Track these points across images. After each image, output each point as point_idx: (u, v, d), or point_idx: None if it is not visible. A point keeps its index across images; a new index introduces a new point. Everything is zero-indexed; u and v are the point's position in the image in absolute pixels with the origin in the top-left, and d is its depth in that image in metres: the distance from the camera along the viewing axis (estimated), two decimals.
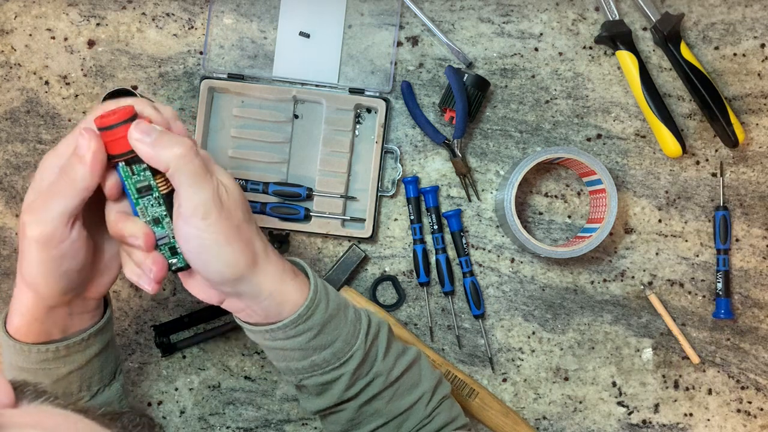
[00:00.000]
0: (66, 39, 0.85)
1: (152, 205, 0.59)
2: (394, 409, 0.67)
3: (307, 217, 0.84)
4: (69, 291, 0.60)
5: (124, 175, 0.58)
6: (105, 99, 0.84)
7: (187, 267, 0.61)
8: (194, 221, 0.56)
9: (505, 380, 0.87)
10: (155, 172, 0.59)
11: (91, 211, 0.60)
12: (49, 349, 0.62)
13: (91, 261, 0.61)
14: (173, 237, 0.60)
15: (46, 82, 0.85)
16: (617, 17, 0.85)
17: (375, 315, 0.68)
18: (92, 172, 0.56)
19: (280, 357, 0.65)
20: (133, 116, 0.58)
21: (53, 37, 0.85)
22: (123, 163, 0.58)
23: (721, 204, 0.86)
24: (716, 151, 0.87)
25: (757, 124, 0.87)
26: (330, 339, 0.63)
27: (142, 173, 0.58)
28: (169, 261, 0.60)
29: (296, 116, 0.85)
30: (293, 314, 0.61)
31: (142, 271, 0.60)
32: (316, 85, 0.85)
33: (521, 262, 0.87)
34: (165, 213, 0.59)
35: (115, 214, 0.59)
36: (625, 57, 0.84)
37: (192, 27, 0.86)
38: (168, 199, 0.59)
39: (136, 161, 0.58)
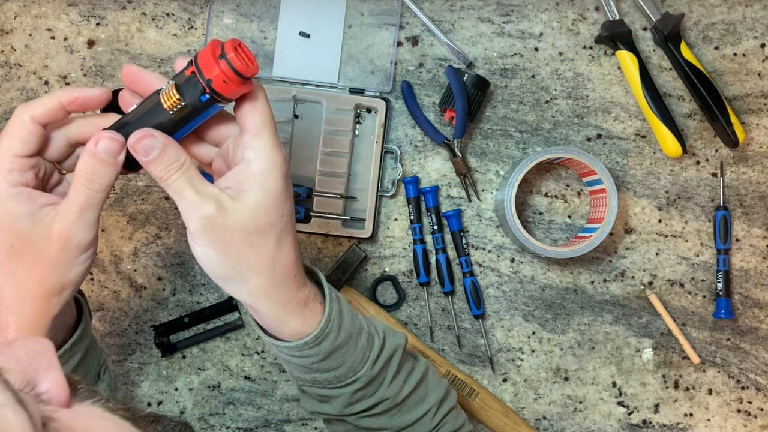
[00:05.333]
0: (66, 39, 0.85)
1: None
2: (398, 423, 0.66)
3: (307, 217, 0.84)
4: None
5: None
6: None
7: None
8: (190, 229, 0.56)
9: (505, 380, 0.87)
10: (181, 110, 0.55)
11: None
12: None
13: None
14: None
15: (46, 82, 0.85)
16: (617, 17, 0.85)
17: (393, 336, 0.66)
18: (117, 172, 0.56)
19: (284, 362, 0.64)
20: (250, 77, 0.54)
21: (53, 37, 0.85)
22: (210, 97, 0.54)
23: (721, 204, 0.86)
24: (716, 151, 0.87)
25: (757, 124, 0.87)
26: (335, 365, 0.62)
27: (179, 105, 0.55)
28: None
29: (296, 116, 0.85)
30: (299, 341, 0.59)
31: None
32: (316, 85, 0.85)
33: (521, 262, 0.87)
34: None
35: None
36: (625, 57, 0.84)
37: (192, 27, 0.86)
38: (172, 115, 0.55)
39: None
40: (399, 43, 0.86)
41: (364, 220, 0.84)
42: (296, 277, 0.59)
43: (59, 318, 0.60)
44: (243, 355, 0.86)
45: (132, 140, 0.54)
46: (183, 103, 0.54)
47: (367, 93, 0.85)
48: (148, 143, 0.54)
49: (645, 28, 0.87)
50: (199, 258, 0.57)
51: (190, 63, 0.54)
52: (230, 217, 0.55)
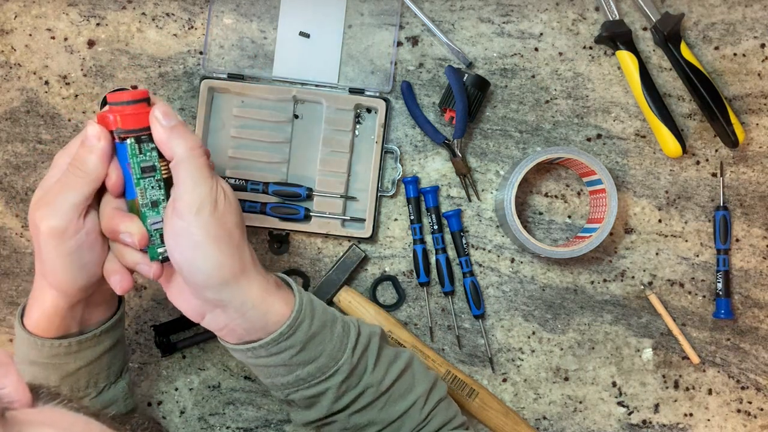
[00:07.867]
0: (66, 39, 0.85)
1: (152, 187, 0.59)
2: (387, 416, 0.67)
3: (307, 217, 0.84)
4: (90, 284, 0.61)
5: (131, 152, 0.58)
6: (104, 100, 0.84)
7: None
8: (187, 216, 0.56)
9: (505, 380, 0.87)
10: (160, 155, 0.59)
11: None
12: (62, 344, 0.63)
13: (107, 250, 0.62)
14: None
15: (46, 82, 0.85)
16: (617, 17, 0.85)
17: (367, 326, 0.68)
18: (103, 160, 0.57)
19: (265, 373, 0.65)
20: (147, 98, 0.59)
21: (53, 37, 0.85)
22: (132, 139, 0.58)
23: (721, 204, 0.86)
24: (716, 151, 0.87)
25: (757, 124, 0.87)
26: (314, 355, 0.63)
27: (149, 153, 0.59)
28: (158, 250, 0.61)
29: (296, 116, 0.85)
30: (275, 333, 0.61)
31: (123, 270, 0.61)
32: (316, 85, 0.85)
33: (521, 262, 0.87)
34: (163, 197, 0.60)
35: (111, 210, 0.60)
36: (625, 57, 0.84)
37: (192, 27, 0.86)
38: (167, 185, 0.60)
39: (145, 140, 0.58)
40: (399, 43, 0.86)
41: (364, 220, 0.84)
42: (258, 262, 0.63)
43: (74, 309, 0.62)
44: None
45: (156, 111, 0.58)
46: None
47: (367, 93, 0.85)
48: (170, 110, 0.59)
49: (645, 28, 0.87)
50: (202, 241, 0.57)
51: (136, 138, 0.59)
52: (227, 199, 0.59)
